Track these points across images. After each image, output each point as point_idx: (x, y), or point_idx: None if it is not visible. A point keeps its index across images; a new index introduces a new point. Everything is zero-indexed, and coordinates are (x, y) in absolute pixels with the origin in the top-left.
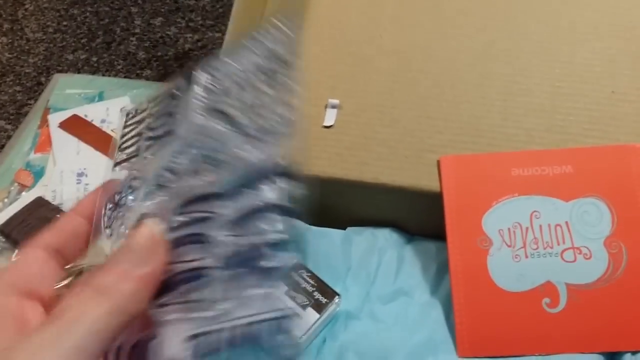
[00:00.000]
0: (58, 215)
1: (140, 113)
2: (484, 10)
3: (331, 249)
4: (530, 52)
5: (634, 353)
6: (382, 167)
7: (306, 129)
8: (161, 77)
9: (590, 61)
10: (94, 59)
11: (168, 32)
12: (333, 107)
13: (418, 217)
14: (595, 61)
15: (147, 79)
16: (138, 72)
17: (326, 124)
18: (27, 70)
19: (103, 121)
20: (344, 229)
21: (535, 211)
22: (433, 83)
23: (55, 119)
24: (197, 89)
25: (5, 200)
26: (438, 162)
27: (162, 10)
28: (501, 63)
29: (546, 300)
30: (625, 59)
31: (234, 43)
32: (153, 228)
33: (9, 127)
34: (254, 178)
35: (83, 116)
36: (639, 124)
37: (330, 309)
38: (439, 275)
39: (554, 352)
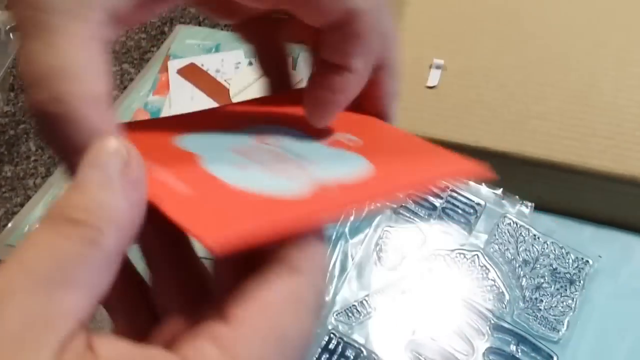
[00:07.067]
0: None
1: None
2: None
3: None
4: None
5: None
6: (485, 130)
7: (409, 88)
8: None
9: None
10: None
11: None
12: (437, 67)
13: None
14: None
15: None
16: None
17: (429, 84)
18: (152, 20)
19: (217, 71)
20: None
21: None
22: (543, 48)
23: (174, 65)
24: None
25: None
26: None
27: None
28: (616, 32)
29: None
30: None
31: None
32: None
33: (132, 70)
34: None
35: (200, 65)
36: None
37: None
38: None
39: None
